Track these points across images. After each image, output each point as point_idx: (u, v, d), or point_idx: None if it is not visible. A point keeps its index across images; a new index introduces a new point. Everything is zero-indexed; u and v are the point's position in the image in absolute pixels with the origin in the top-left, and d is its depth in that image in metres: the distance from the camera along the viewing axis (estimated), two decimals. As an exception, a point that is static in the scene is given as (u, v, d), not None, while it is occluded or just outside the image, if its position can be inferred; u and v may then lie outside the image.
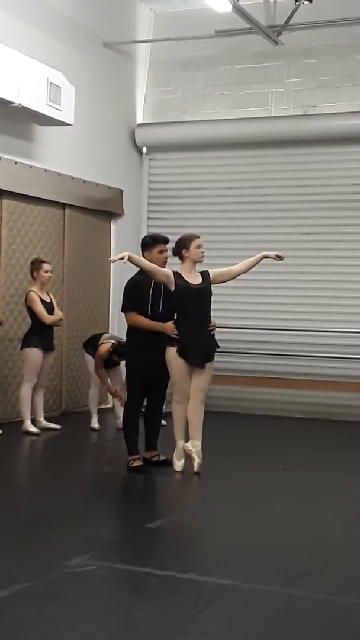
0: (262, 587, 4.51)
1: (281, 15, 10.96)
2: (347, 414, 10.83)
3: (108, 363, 9.27)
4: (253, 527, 5.77)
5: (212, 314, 7.35)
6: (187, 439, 7.24)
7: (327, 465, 8.10)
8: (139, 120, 12.22)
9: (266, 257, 7.49)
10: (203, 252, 7.29)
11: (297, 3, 10.70)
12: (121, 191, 11.65)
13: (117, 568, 4.79)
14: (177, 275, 7.18)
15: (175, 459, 7.27)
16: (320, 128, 11.19)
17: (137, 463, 7.36)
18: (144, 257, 7.41)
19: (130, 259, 6.89)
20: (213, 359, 7.31)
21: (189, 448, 7.18)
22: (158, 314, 7.27)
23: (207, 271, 7.36)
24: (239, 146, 11.65)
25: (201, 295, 7.22)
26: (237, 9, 9.82)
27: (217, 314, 7.50)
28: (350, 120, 11.06)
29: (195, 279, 7.24)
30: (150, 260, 7.34)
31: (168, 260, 7.49)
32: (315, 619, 4.12)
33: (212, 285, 7.33)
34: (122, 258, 6.86)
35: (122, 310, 7.50)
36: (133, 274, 7.52)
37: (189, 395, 7.21)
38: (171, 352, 7.11)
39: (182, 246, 7.27)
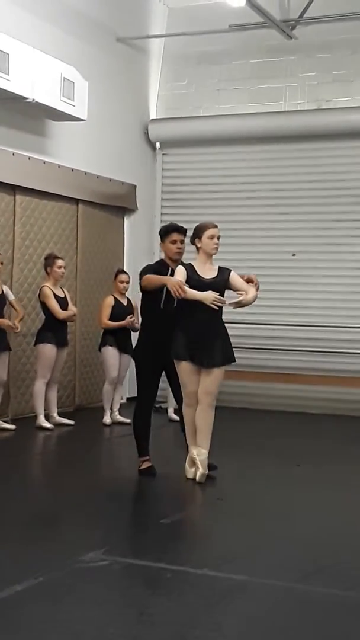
0: (276, 583, 4.50)
1: (295, 9, 10.94)
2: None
3: (122, 341, 9.43)
4: (266, 523, 5.75)
5: (224, 309, 6.81)
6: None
7: (341, 460, 8.07)
8: (153, 115, 12.21)
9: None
10: (216, 244, 6.71)
11: (311, -3, 10.67)
12: (134, 186, 11.64)
13: (131, 563, 4.78)
14: (189, 267, 6.70)
15: (187, 466, 6.85)
16: (335, 122, 11.13)
17: (145, 465, 7.08)
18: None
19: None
20: (222, 364, 6.74)
21: (193, 455, 6.77)
22: (171, 310, 6.80)
23: (230, 270, 6.81)
24: (253, 141, 11.62)
25: (212, 291, 6.61)
26: (251, 3, 9.79)
27: (229, 309, 7.14)
28: (365, 115, 11.01)
29: (208, 273, 6.72)
30: (164, 252, 7.00)
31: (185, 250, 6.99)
32: (329, 615, 4.10)
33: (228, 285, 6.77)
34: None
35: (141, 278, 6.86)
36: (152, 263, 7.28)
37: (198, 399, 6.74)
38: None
39: (195, 235, 6.76)
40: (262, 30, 11.03)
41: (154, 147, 12.24)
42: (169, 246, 6.90)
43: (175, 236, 6.88)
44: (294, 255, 11.39)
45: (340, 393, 10.96)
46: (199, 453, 6.74)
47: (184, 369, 6.72)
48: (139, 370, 7.12)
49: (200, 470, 6.70)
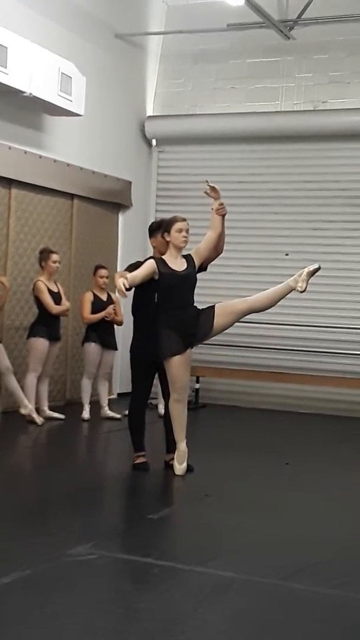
0: (263, 580, 4.52)
1: (293, 9, 10.96)
2: (350, 409, 10.85)
3: (104, 337, 9.53)
4: (254, 521, 5.77)
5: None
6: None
7: (330, 460, 8.12)
8: (149, 113, 12.22)
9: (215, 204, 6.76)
10: (185, 238, 6.74)
11: (309, -2, 10.70)
12: (130, 183, 11.66)
13: (119, 558, 4.80)
14: (160, 262, 6.74)
15: (176, 463, 6.87)
16: (331, 123, 11.18)
17: (140, 460, 7.07)
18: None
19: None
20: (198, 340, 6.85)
21: (182, 449, 6.87)
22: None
23: (190, 255, 6.84)
24: (248, 140, 11.65)
25: (187, 282, 6.75)
26: (250, 3, 9.81)
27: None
28: (360, 117, 11.05)
29: (180, 265, 6.75)
30: (164, 245, 6.86)
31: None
32: (315, 613, 4.13)
33: (206, 262, 6.88)
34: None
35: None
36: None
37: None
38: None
39: (164, 229, 6.82)
40: (260, 30, 11.06)
41: (150, 144, 12.26)
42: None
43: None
44: (287, 255, 11.43)
45: (331, 393, 11.01)
46: (184, 447, 6.86)
47: (177, 363, 6.69)
48: (133, 365, 7.13)
49: (184, 465, 6.86)
